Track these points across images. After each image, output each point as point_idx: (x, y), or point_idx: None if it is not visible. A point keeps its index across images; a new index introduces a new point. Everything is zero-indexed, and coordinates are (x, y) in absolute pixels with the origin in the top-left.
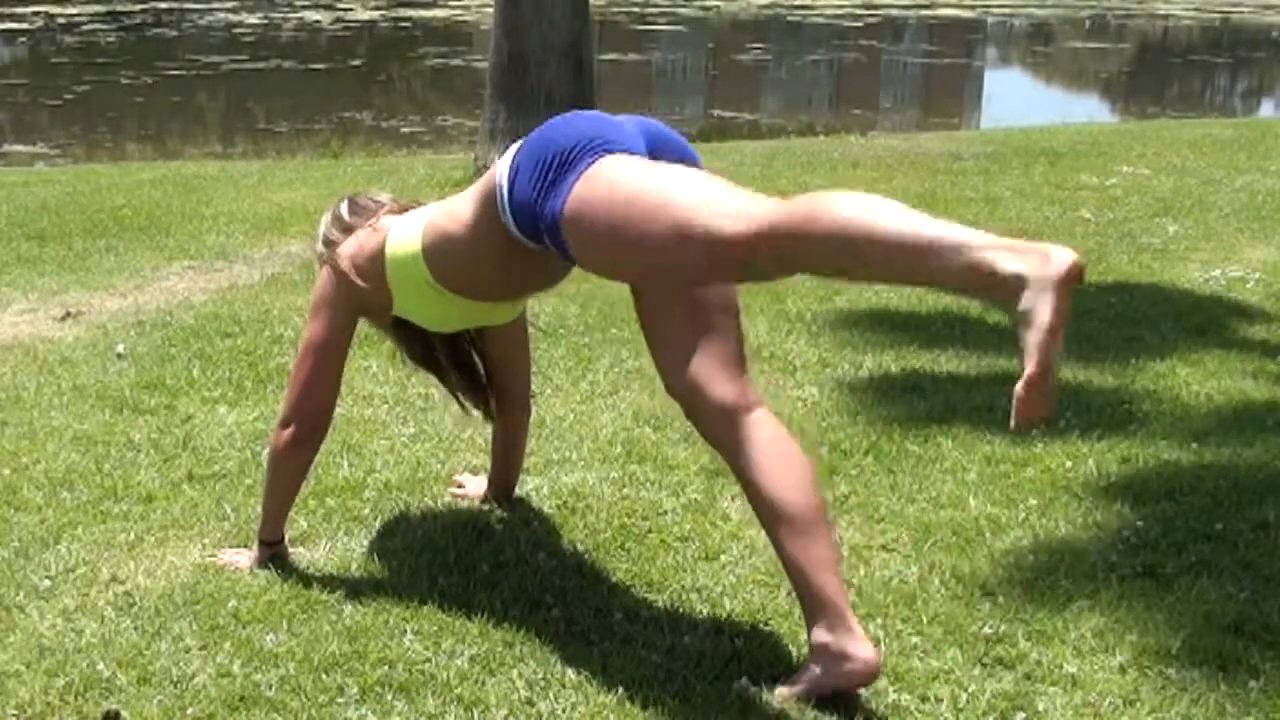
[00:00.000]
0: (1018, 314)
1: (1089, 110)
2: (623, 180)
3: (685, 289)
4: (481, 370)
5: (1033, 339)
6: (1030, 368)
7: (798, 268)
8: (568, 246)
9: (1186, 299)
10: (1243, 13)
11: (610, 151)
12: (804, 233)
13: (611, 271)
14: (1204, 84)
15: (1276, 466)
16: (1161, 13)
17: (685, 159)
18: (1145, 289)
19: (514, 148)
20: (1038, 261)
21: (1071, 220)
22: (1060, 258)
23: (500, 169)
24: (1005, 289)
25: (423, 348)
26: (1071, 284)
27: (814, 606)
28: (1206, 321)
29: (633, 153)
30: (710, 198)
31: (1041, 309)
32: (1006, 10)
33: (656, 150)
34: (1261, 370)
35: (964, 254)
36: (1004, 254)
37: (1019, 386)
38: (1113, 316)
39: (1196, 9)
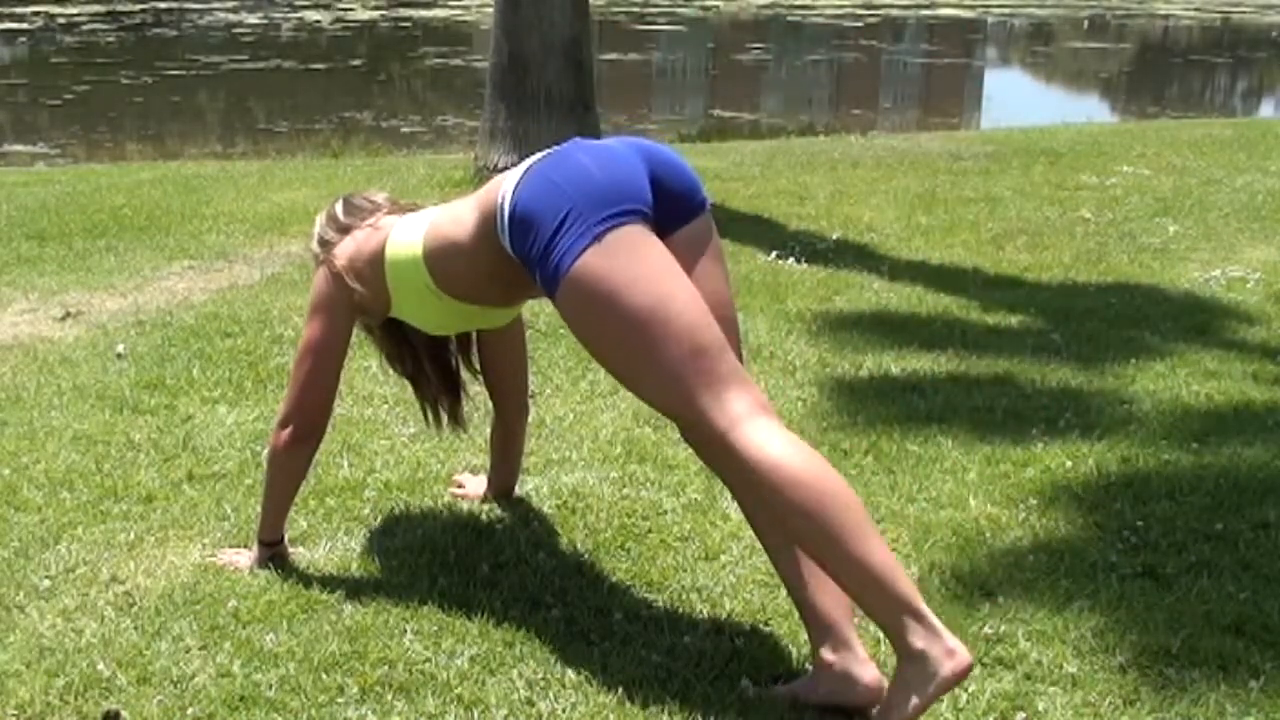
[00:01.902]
0: (900, 672)
1: (1089, 110)
2: (630, 279)
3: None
4: (460, 376)
5: (899, 709)
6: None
7: (735, 489)
8: (556, 302)
9: (1186, 299)
10: (1243, 13)
11: (622, 217)
12: (769, 487)
13: (590, 349)
14: (1204, 84)
15: (1276, 466)
16: (1161, 13)
17: (689, 187)
18: (1145, 289)
19: (521, 169)
20: (941, 652)
21: (1071, 220)
22: (959, 661)
23: (504, 188)
24: (906, 655)
25: (406, 350)
26: (956, 683)
27: (817, 626)
28: (1206, 321)
29: (642, 213)
30: (704, 366)
31: (920, 689)
32: (1006, 10)
33: (659, 174)
34: (1261, 370)
35: (893, 608)
36: (920, 629)
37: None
38: (1113, 316)
39: (1196, 9)
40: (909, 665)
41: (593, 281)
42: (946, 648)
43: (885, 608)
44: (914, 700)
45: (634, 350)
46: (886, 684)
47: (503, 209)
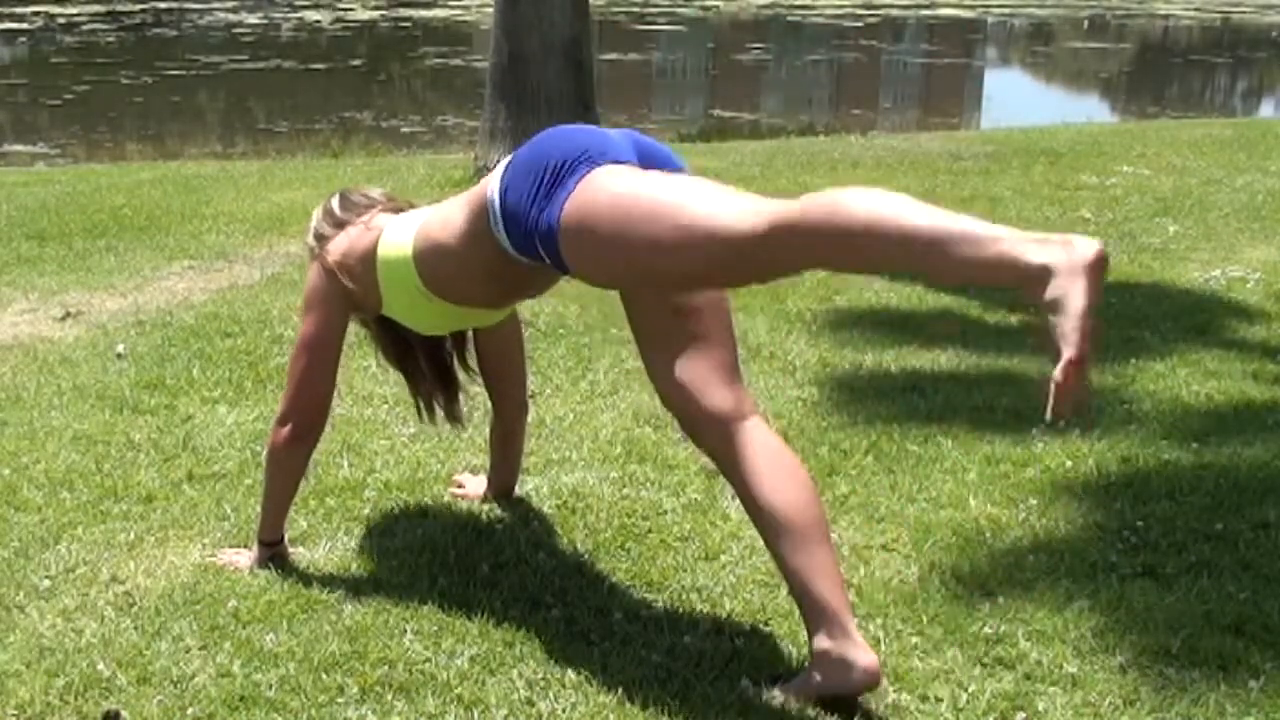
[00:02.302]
0: (1046, 304)
1: (1089, 110)
2: (622, 186)
3: (683, 293)
4: (456, 373)
5: (1068, 324)
6: (1069, 352)
7: (807, 264)
8: (562, 255)
9: (1186, 299)
10: (1243, 13)
11: (604, 161)
12: (822, 228)
13: (610, 277)
14: (1204, 84)
15: (1276, 466)
16: (1161, 13)
17: (671, 169)
18: (1145, 289)
19: (505, 162)
20: (1062, 251)
21: (1071, 220)
22: (1085, 246)
23: (491, 183)
24: (1031, 281)
25: (401, 347)
26: (1099, 269)
27: (815, 614)
28: (1206, 321)
29: (625, 163)
30: (716, 198)
31: (1073, 295)
32: (1006, 10)
33: (645, 163)
34: (1261, 370)
35: (986, 248)
36: (1029, 246)
37: (1057, 372)
38: (1113, 316)
39: (1196, 9)
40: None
41: (586, 208)
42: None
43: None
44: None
45: (653, 234)
46: (880, 668)
47: (494, 205)
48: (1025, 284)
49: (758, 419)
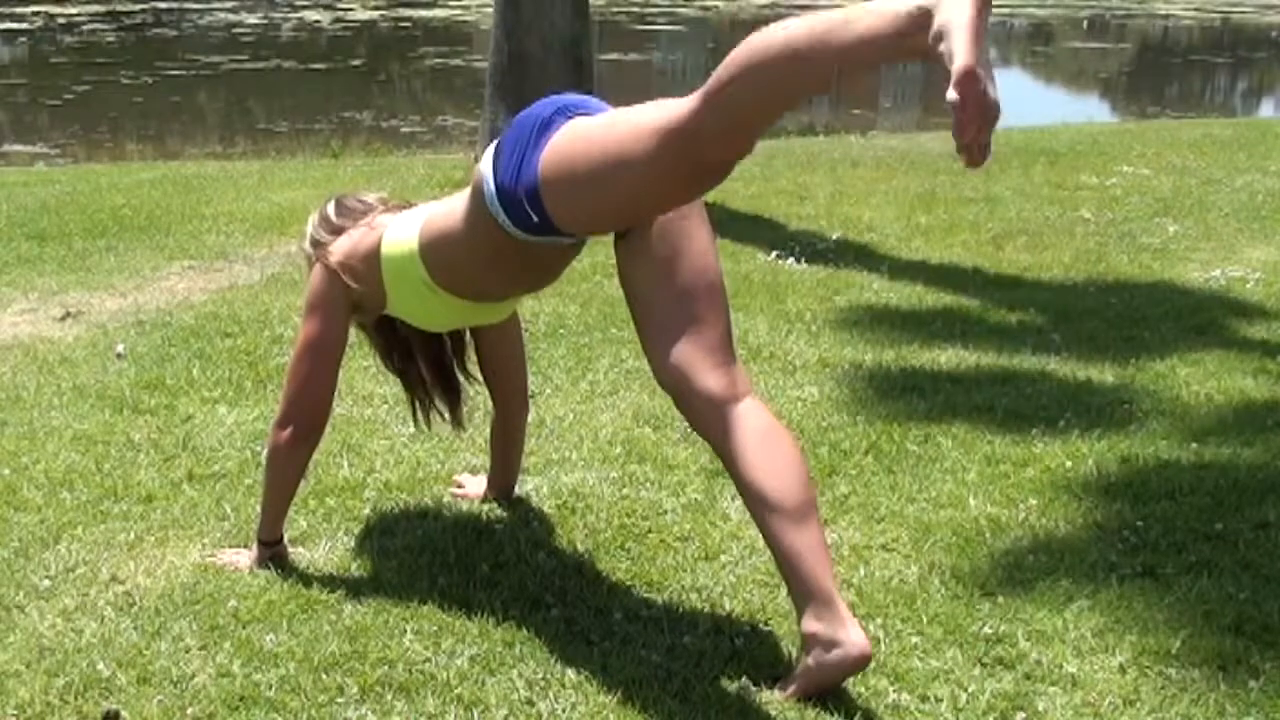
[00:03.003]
0: (934, 39)
1: (1089, 110)
2: (588, 124)
3: (664, 208)
4: (457, 374)
5: (954, 40)
6: (957, 61)
7: (749, 116)
8: (548, 210)
9: (1186, 299)
10: (1243, 13)
11: (576, 114)
12: (730, 76)
13: (597, 215)
14: (1204, 84)
15: (1276, 466)
16: (1161, 13)
17: None
18: (1145, 289)
19: (492, 146)
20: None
21: (1071, 220)
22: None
23: (484, 168)
24: (919, 22)
25: (399, 347)
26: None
27: (803, 594)
28: (1206, 321)
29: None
30: (661, 103)
31: (956, 14)
32: (1006, 10)
33: None
34: (1261, 370)
35: (872, 15)
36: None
37: (951, 89)
38: (1113, 316)
39: (1196, 9)
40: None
41: (557, 153)
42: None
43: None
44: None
45: (608, 157)
46: (870, 645)
47: (488, 183)
48: (915, 31)
49: (752, 400)
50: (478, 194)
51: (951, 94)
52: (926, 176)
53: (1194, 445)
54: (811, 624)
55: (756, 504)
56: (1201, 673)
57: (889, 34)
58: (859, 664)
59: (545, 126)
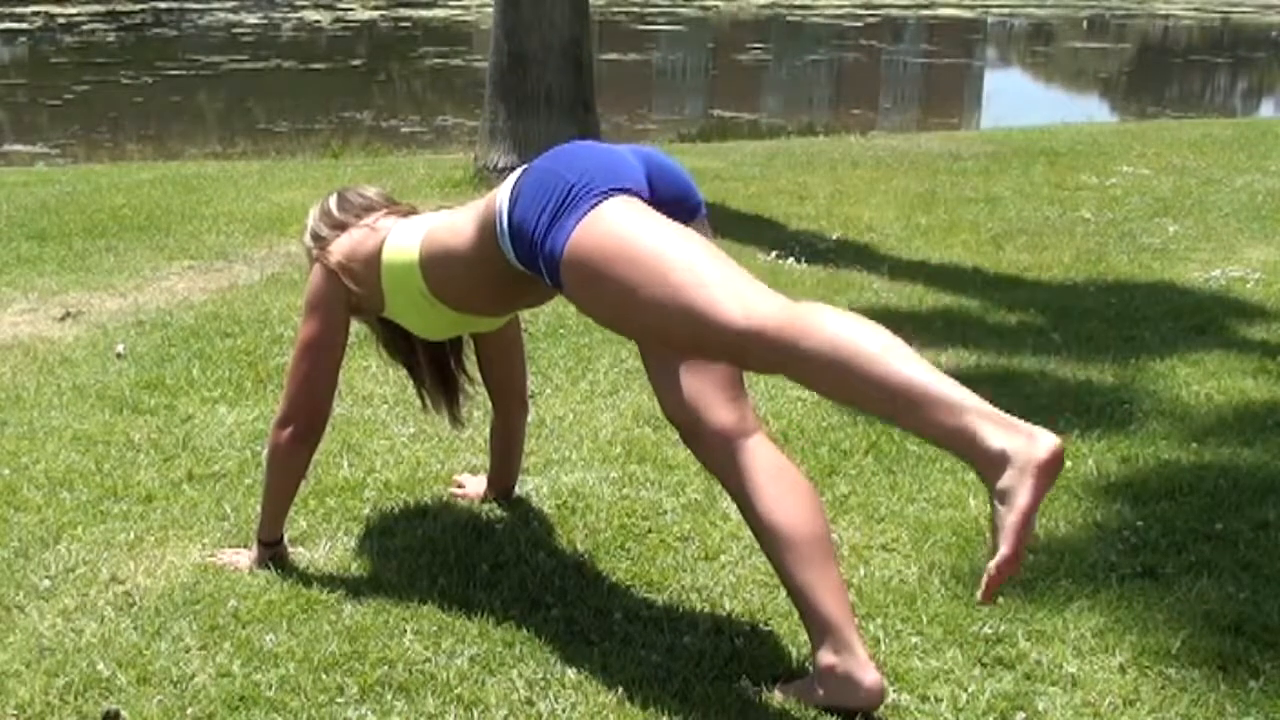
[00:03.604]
0: (996, 492)
1: (1089, 110)
2: (626, 235)
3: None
4: (457, 375)
5: (1009, 520)
6: (1004, 549)
7: (785, 373)
8: (562, 283)
9: (1186, 299)
10: (1243, 13)
11: (616, 192)
12: (796, 347)
13: (600, 316)
14: (1204, 84)
15: (1276, 466)
16: (1161, 13)
17: (685, 191)
18: (1145, 289)
19: (516, 174)
20: (1024, 442)
21: (1071, 220)
22: (1045, 442)
23: (501, 196)
24: (987, 462)
25: (405, 344)
26: (1054, 469)
27: (819, 630)
28: (1206, 321)
29: (636, 193)
30: (717, 280)
31: (1021, 492)
32: (1006, 10)
33: (655, 179)
34: (1261, 370)
35: (952, 416)
36: (991, 427)
37: (992, 566)
38: (1113, 316)
39: (1196, 9)
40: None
41: (591, 246)
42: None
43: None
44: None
45: (646, 294)
46: (885, 686)
47: (501, 215)
48: (980, 465)
49: (761, 435)
50: (488, 224)
51: (991, 569)
52: (926, 176)
53: (1194, 445)
54: (829, 658)
55: (769, 541)
56: (1201, 673)
57: (965, 451)
58: (870, 706)
59: (579, 195)
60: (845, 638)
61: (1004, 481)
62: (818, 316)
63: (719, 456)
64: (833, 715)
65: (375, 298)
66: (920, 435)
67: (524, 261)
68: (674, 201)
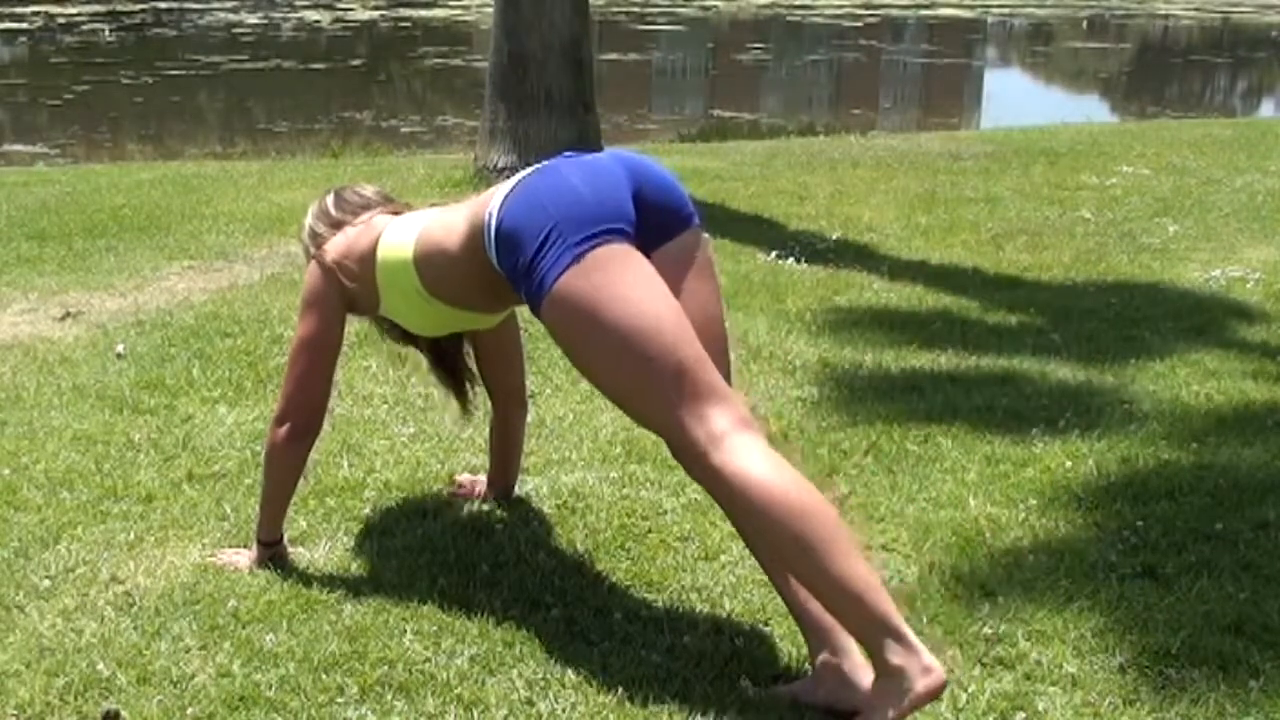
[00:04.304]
0: (879, 676)
1: (1089, 110)
2: (607, 300)
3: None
4: (463, 369)
5: (871, 710)
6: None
7: (722, 507)
8: (542, 318)
9: (1186, 299)
10: (1243, 13)
11: (601, 237)
12: (737, 501)
13: (574, 365)
14: (1204, 84)
15: (1276, 466)
16: (1161, 13)
17: (675, 200)
18: (1145, 289)
19: (508, 185)
20: (917, 670)
21: (1071, 220)
22: (930, 680)
23: (492, 204)
24: (883, 669)
25: (408, 338)
26: (928, 700)
27: (816, 633)
28: (1206, 321)
29: (622, 231)
30: (687, 381)
31: (892, 707)
32: (1006, 10)
33: (644, 190)
34: (1261, 370)
35: (869, 625)
36: (894, 645)
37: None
38: (1113, 316)
39: (1196, 9)
40: (885, 680)
41: (573, 300)
42: (923, 665)
43: (864, 626)
44: (889, 713)
45: (615, 367)
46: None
47: (489, 225)
48: (873, 660)
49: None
50: (477, 232)
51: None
52: (926, 176)
53: (1194, 445)
54: (828, 659)
55: (760, 546)
56: (1201, 673)
57: (862, 640)
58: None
59: (558, 239)
60: (842, 640)
61: (888, 688)
62: (771, 480)
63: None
64: (833, 715)
65: (371, 295)
66: (840, 624)
67: (507, 275)
68: (664, 212)
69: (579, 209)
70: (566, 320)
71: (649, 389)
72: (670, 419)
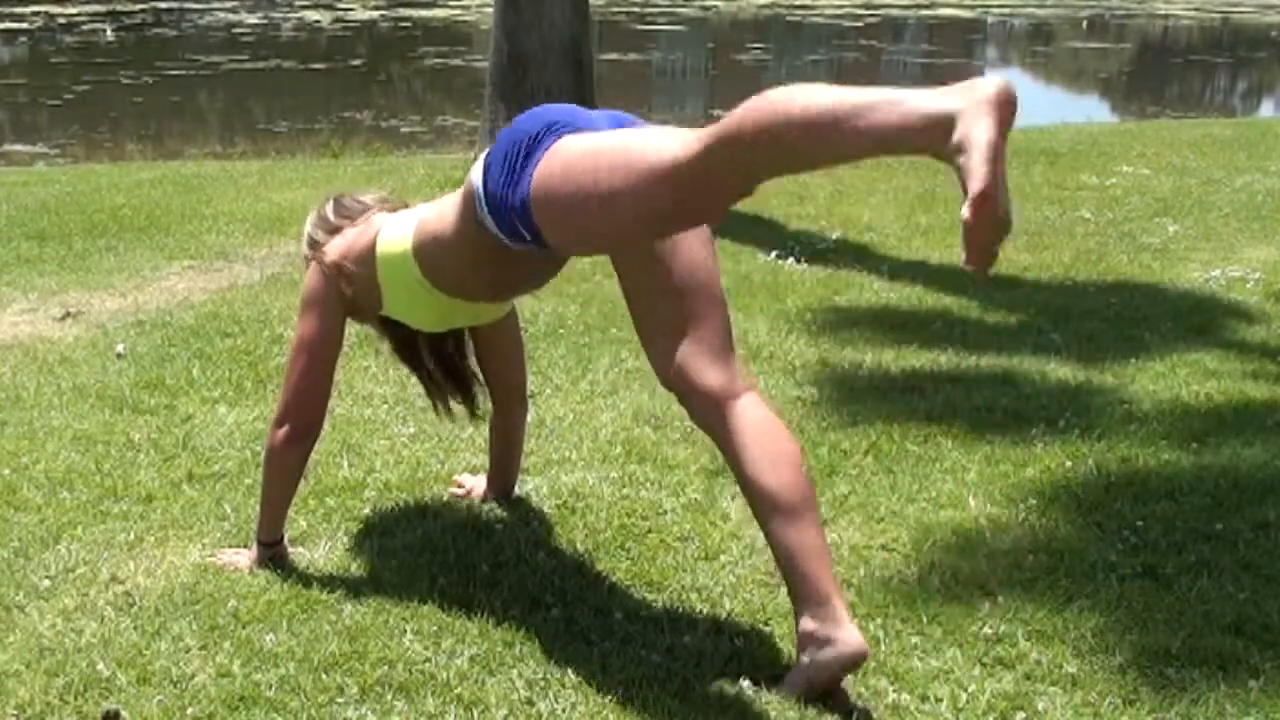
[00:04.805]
0: (953, 148)
1: (1089, 110)
2: (577, 148)
3: (656, 237)
4: (467, 369)
5: (973, 159)
6: (976, 185)
7: (752, 172)
8: (540, 230)
9: (1186, 299)
10: (1243, 13)
11: (569, 131)
12: (742, 131)
13: (584, 240)
14: (1204, 84)
15: (1276, 466)
16: (1161, 13)
17: None
18: (1145, 289)
19: (485, 152)
20: (962, 95)
21: (1071, 220)
22: (987, 83)
23: (475, 173)
24: (939, 130)
25: (407, 346)
26: (1005, 104)
27: (802, 594)
28: (1206, 321)
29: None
30: (652, 138)
31: (976, 129)
32: (1006, 10)
33: None
34: (1261, 370)
35: (895, 108)
36: (932, 97)
37: (965, 208)
38: (1113, 316)
39: (1196, 9)
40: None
41: (546, 176)
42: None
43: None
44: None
45: (600, 194)
46: (867, 647)
47: (478, 189)
48: (934, 138)
49: (752, 396)
50: (469, 202)
51: (965, 213)
52: (926, 176)
53: (1194, 445)
54: (808, 623)
55: (756, 501)
56: (1201, 673)
57: (919, 138)
58: (854, 661)
59: (536, 143)
60: (826, 600)
61: (957, 135)
62: (750, 102)
63: (709, 418)
64: (832, 708)
65: (372, 294)
66: (878, 149)
67: (506, 230)
68: None
69: (546, 123)
70: (548, 196)
71: (636, 167)
72: (662, 159)
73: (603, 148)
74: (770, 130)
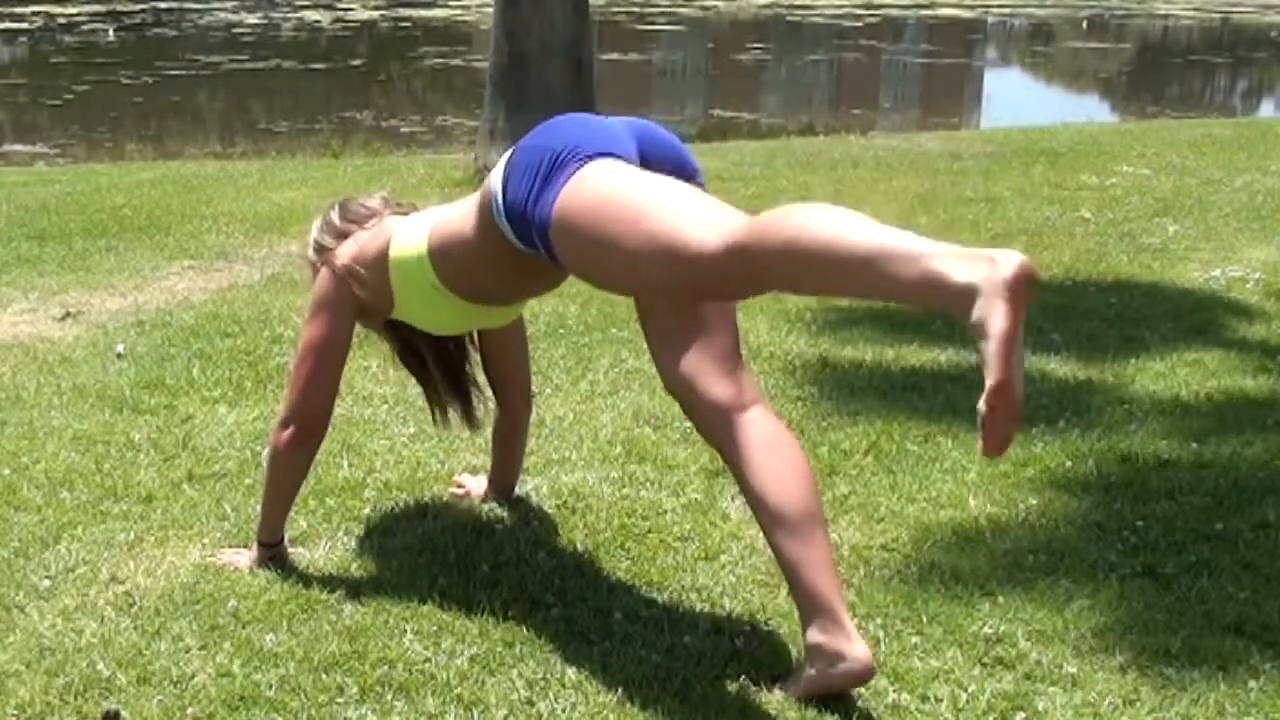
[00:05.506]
0: (973, 327)
1: (1089, 110)
2: (603, 190)
3: (661, 299)
4: (467, 376)
5: (990, 349)
6: (992, 378)
7: (768, 284)
8: (554, 251)
9: (1186, 299)
10: (1243, 13)
11: (597, 156)
12: (765, 246)
13: (599, 280)
14: (1204, 84)
15: (1276, 466)
16: (1161, 13)
17: (678, 159)
18: (1145, 289)
19: (508, 154)
20: (985, 268)
21: (1071, 220)
22: (1007, 262)
23: (494, 178)
24: (957, 300)
25: (410, 351)
26: (1021, 286)
27: (809, 607)
28: (1206, 321)
29: (621, 157)
30: (685, 212)
31: (994, 317)
32: (1006, 10)
33: (647, 151)
34: (1261, 370)
35: (917, 264)
36: (954, 263)
37: (982, 401)
38: (1113, 316)
39: (1196, 9)
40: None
41: (574, 206)
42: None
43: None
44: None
45: (626, 245)
46: (873, 662)
47: (496, 196)
48: (953, 306)
49: (760, 408)
50: (486, 207)
51: (982, 406)
52: (926, 176)
53: (1194, 445)
54: (816, 636)
55: (762, 513)
56: (1201, 673)
57: (934, 299)
58: (862, 678)
59: (558, 164)
60: (834, 614)
61: (976, 313)
62: (777, 214)
63: (715, 429)
64: (832, 708)
65: (384, 298)
66: (896, 297)
67: (521, 238)
68: (666, 164)
69: (576, 142)
70: (573, 226)
71: (668, 235)
72: (684, 245)
73: (640, 205)
74: (796, 249)
